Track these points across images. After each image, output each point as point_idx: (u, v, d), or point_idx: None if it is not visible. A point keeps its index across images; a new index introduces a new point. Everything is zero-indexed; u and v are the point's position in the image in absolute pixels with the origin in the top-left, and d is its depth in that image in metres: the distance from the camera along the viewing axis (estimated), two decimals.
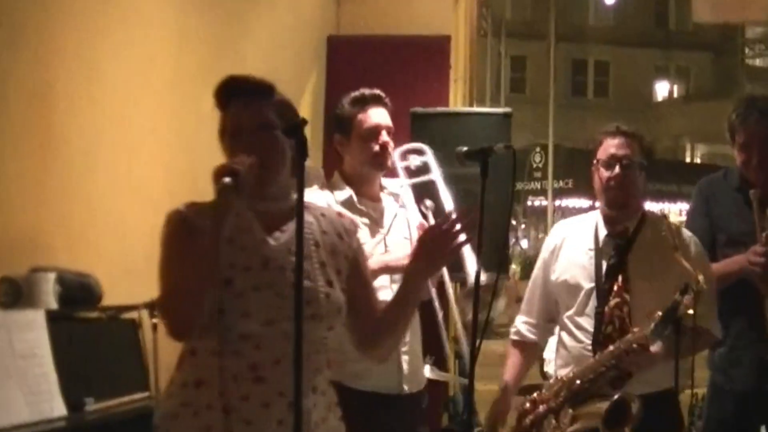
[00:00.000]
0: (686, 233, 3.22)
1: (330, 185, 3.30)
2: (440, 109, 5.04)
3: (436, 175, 3.46)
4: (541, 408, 3.09)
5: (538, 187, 25.03)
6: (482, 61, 16.96)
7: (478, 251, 2.58)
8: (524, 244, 26.89)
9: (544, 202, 25.38)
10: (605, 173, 3.17)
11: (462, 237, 2.29)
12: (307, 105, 5.38)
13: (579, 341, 3.15)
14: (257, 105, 2.25)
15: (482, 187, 2.53)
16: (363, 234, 3.15)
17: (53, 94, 3.19)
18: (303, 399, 2.01)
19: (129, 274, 3.30)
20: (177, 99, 3.90)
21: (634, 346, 2.93)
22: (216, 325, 2.10)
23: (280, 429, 2.14)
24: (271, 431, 2.14)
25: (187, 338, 2.18)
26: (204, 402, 2.15)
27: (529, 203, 26.97)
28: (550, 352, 3.74)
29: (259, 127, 2.22)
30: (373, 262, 2.97)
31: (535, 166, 24.62)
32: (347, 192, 3.25)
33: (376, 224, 3.27)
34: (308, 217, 2.28)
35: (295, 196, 2.26)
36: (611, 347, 2.99)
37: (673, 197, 23.48)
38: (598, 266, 3.17)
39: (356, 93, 3.28)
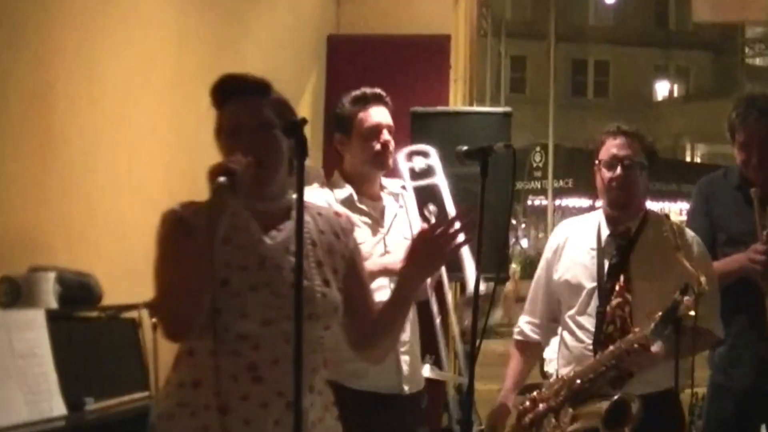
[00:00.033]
0: (689, 233, 3.22)
1: (330, 184, 3.30)
2: (440, 108, 5.03)
3: (440, 178, 3.45)
4: (541, 407, 3.09)
5: (538, 186, 25.06)
6: (482, 61, 16.95)
7: (478, 251, 2.58)
8: (524, 243, 26.93)
9: (544, 202, 25.42)
10: (607, 174, 3.17)
11: (458, 240, 2.27)
12: (307, 105, 5.38)
13: (580, 341, 3.15)
14: (256, 104, 2.24)
15: (482, 186, 2.52)
16: (364, 233, 3.16)
17: (53, 94, 3.19)
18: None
19: (129, 273, 3.29)
20: (177, 99, 3.90)
21: (635, 346, 2.93)
22: (213, 325, 2.09)
23: (276, 429, 2.13)
24: (268, 431, 2.13)
25: (183, 339, 2.16)
26: (202, 402, 2.14)
27: (529, 202, 27.00)
28: (550, 352, 3.74)
29: (259, 127, 2.21)
30: (372, 264, 2.97)
31: (535, 165, 24.65)
32: (347, 190, 3.25)
33: (376, 223, 3.27)
34: (305, 216, 2.26)
35: (292, 194, 2.26)
36: (612, 347, 2.99)
37: (673, 197, 23.51)
38: (600, 266, 3.17)
39: (357, 92, 3.28)
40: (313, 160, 4.23)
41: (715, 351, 3.55)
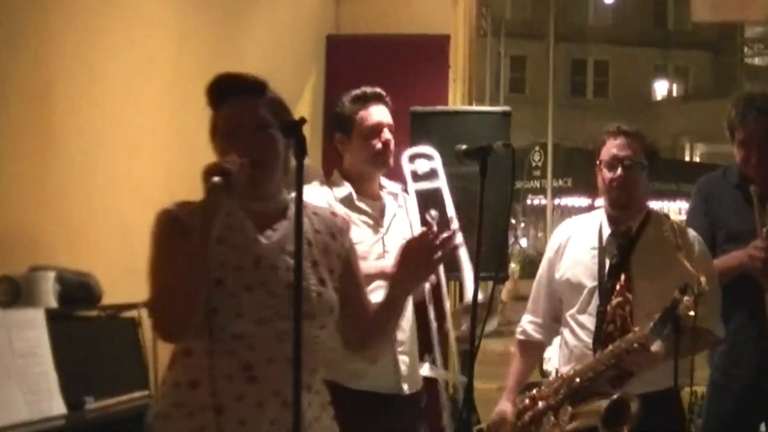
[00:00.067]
0: (691, 233, 3.22)
1: (329, 183, 3.30)
2: (440, 107, 5.04)
3: (442, 182, 3.44)
4: (540, 405, 3.09)
5: (538, 185, 25.10)
6: (482, 60, 16.97)
7: (478, 250, 2.58)
8: (523, 242, 26.95)
9: (544, 201, 25.44)
10: (608, 174, 3.17)
11: (450, 245, 2.26)
12: (307, 104, 5.38)
13: (581, 340, 3.15)
14: (252, 104, 2.23)
15: (481, 185, 2.52)
16: (363, 232, 3.16)
17: (53, 94, 3.19)
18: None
19: (129, 273, 3.28)
20: (177, 99, 3.90)
21: (635, 345, 2.93)
22: (208, 324, 2.08)
23: (272, 429, 2.12)
24: (263, 431, 2.13)
25: (178, 339, 2.16)
26: (198, 402, 2.12)
27: (528, 202, 27.04)
28: (549, 350, 3.74)
29: (256, 127, 2.20)
30: (368, 267, 2.95)
31: (534, 164, 24.68)
32: (347, 189, 3.24)
33: (376, 223, 3.27)
34: None
35: (288, 194, 2.26)
36: (611, 346, 3.00)
37: (672, 196, 23.53)
38: (601, 265, 3.17)
39: (357, 91, 3.28)
40: (313, 160, 4.23)
41: (715, 350, 3.56)
